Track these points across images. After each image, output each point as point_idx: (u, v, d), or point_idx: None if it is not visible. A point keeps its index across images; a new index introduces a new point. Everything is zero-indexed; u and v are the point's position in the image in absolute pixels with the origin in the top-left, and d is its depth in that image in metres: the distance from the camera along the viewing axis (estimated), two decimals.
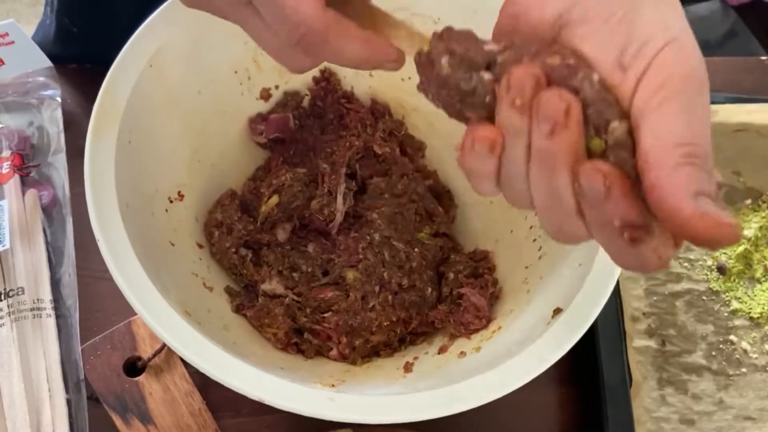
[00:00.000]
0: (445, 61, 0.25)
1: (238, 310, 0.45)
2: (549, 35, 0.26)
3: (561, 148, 0.24)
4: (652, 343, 0.50)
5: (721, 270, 0.53)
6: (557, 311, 0.38)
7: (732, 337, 0.51)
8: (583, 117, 0.24)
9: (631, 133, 0.24)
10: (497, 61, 0.25)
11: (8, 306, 0.45)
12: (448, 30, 0.26)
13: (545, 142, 0.24)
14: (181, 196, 0.46)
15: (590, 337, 0.47)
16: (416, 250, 0.47)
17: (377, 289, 0.45)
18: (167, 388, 0.44)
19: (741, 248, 0.53)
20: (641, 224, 0.23)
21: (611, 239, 0.24)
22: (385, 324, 0.44)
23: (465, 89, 0.25)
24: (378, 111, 0.53)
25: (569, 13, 0.25)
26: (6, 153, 0.52)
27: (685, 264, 0.54)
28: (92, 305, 0.48)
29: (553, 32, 0.26)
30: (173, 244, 0.43)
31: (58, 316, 0.46)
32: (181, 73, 0.44)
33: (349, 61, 0.30)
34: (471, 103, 0.25)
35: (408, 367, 0.42)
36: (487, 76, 0.25)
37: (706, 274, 0.53)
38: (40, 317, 0.45)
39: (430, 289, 0.46)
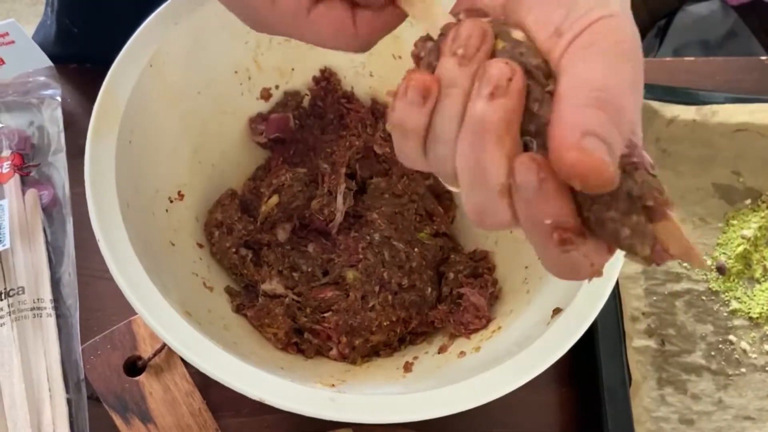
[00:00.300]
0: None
1: (238, 310, 0.45)
2: (500, 7, 0.26)
3: (497, 117, 0.23)
4: (651, 343, 0.50)
5: (721, 270, 0.53)
6: (557, 311, 0.38)
7: (731, 337, 0.51)
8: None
9: None
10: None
11: (8, 305, 0.45)
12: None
13: (482, 106, 0.23)
14: (181, 196, 0.46)
15: (590, 337, 0.47)
16: (416, 250, 0.47)
17: (377, 288, 0.45)
18: (167, 387, 0.45)
19: (740, 248, 0.54)
20: (572, 226, 0.23)
21: (541, 239, 0.23)
22: (384, 324, 0.44)
23: None
24: (378, 111, 0.53)
25: None
26: (6, 152, 0.52)
27: (685, 264, 0.54)
28: (92, 305, 0.48)
29: (504, 4, 0.26)
30: (173, 244, 0.43)
31: (58, 316, 0.46)
32: (181, 73, 0.44)
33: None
34: None
35: (408, 367, 0.43)
36: None
37: (706, 274, 0.53)
38: (41, 317, 0.45)
39: (430, 289, 0.46)
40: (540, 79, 0.23)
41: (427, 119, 0.25)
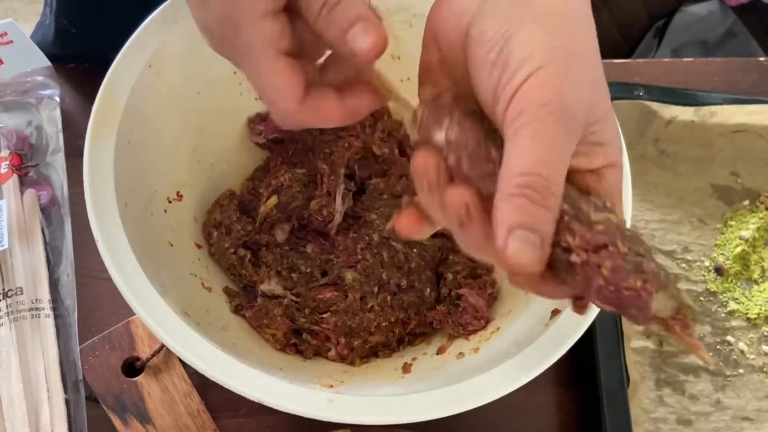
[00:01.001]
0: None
1: (236, 310, 0.45)
2: (461, 52, 0.28)
3: (469, 241, 0.26)
4: (649, 344, 0.50)
5: (719, 271, 0.53)
6: (555, 312, 0.38)
7: (729, 338, 0.51)
8: None
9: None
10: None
11: (7, 306, 0.45)
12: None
13: (458, 234, 0.27)
14: (180, 197, 0.46)
15: (588, 338, 0.47)
16: (415, 250, 0.47)
17: (376, 289, 0.45)
18: (166, 388, 0.45)
19: (738, 249, 0.54)
20: (579, 295, 0.26)
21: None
22: (383, 325, 0.44)
23: None
24: (377, 111, 0.52)
25: (471, 31, 0.27)
26: (4, 153, 0.51)
27: (683, 265, 0.54)
28: (91, 305, 0.48)
29: (463, 49, 0.28)
30: (172, 245, 0.43)
31: (56, 317, 0.46)
32: (180, 73, 0.44)
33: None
34: None
35: (406, 368, 0.43)
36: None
37: (704, 275, 0.53)
38: (39, 317, 0.45)
39: (428, 290, 0.46)
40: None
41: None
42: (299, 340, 0.45)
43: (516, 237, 0.23)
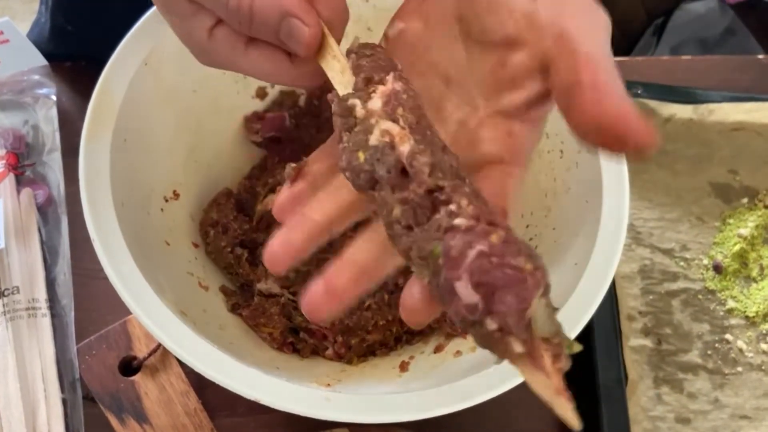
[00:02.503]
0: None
1: (233, 309, 0.45)
2: None
3: None
4: (647, 342, 0.50)
5: (717, 269, 0.53)
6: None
7: (728, 336, 0.51)
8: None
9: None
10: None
11: (3, 305, 0.45)
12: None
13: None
14: (176, 195, 0.46)
15: (586, 337, 0.47)
16: None
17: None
18: (163, 387, 0.44)
19: (737, 247, 0.54)
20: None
21: None
22: (381, 323, 0.44)
23: None
24: None
25: None
26: (1, 152, 0.51)
27: (682, 263, 0.54)
28: (87, 305, 0.48)
29: None
30: (168, 244, 0.43)
31: (53, 316, 0.46)
32: (176, 71, 0.44)
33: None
34: None
35: (404, 367, 0.42)
36: None
37: (702, 273, 0.53)
38: (35, 317, 0.45)
39: None
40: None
41: None
42: (296, 338, 0.45)
43: (631, 104, 0.24)
